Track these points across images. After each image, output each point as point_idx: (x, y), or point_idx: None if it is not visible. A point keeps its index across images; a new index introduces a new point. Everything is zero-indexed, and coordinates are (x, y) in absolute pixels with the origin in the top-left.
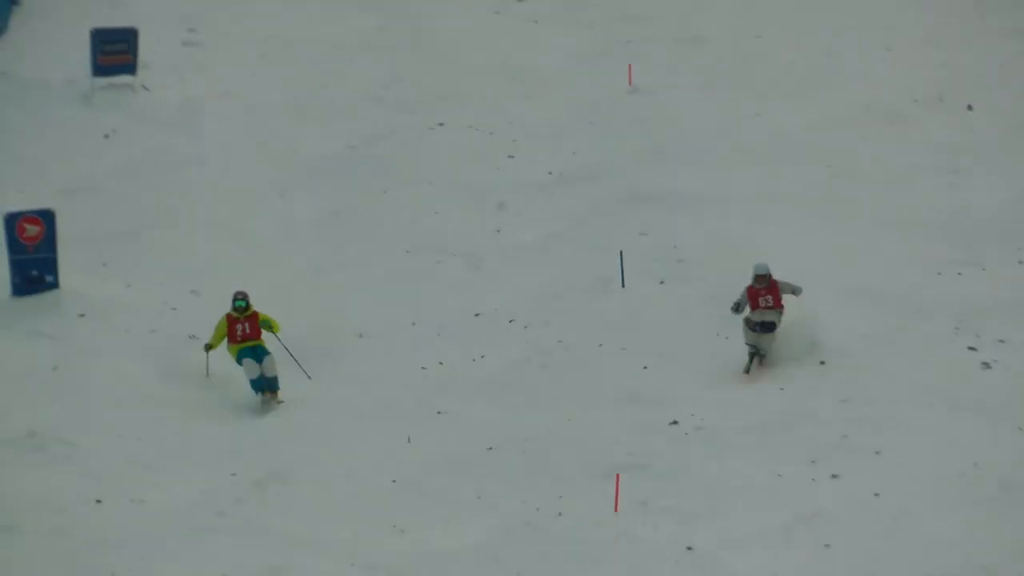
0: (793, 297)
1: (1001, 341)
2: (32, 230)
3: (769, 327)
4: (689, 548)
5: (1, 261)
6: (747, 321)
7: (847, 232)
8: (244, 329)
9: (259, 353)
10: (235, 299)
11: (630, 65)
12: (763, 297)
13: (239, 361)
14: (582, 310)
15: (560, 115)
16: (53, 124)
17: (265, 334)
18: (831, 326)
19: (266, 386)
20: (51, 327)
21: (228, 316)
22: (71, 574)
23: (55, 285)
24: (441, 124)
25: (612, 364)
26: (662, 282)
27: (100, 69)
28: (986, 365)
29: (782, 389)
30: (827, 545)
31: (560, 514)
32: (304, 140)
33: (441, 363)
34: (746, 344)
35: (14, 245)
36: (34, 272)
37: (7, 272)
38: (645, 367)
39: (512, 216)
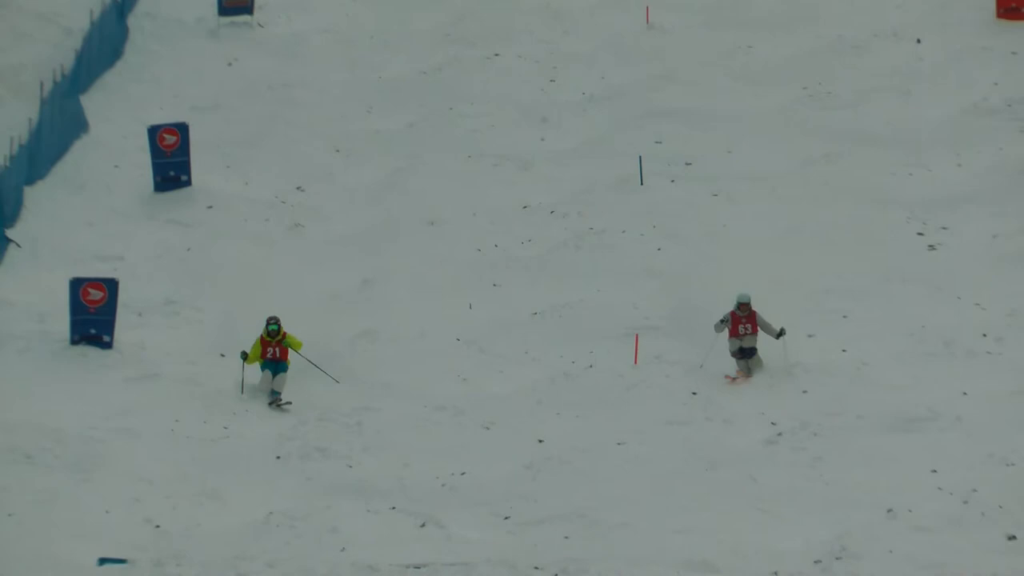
0: (773, 336)
1: (944, 228)
2: (171, 139)
3: (750, 353)
4: (694, 393)
5: (146, 164)
6: (730, 344)
7: (818, 141)
8: (274, 352)
9: (278, 369)
10: (268, 323)
11: (647, 7)
12: (743, 325)
13: (262, 368)
14: (609, 203)
15: (591, 47)
16: (187, 54)
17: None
18: (804, 219)
19: (270, 396)
20: (185, 216)
21: (261, 339)
22: (203, 415)
23: (188, 183)
24: (496, 55)
25: (632, 246)
26: (672, 181)
27: (224, 10)
28: (931, 247)
29: None
30: (804, 391)
31: (591, 366)
32: (387, 67)
33: (496, 245)
34: (732, 356)
35: (156, 151)
36: (172, 173)
37: (151, 173)
38: (659, 249)
39: (553, 128)
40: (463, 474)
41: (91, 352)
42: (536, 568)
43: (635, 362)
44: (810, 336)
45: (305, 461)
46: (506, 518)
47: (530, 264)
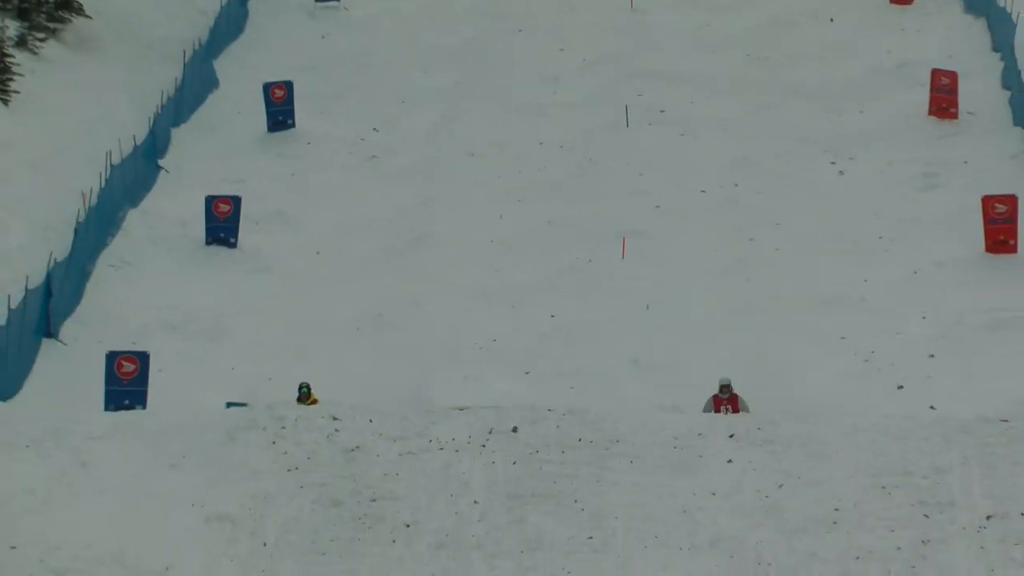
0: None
1: (851, 158)
2: (280, 93)
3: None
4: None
5: (261, 112)
6: None
7: (759, 94)
8: None
9: None
10: (300, 387)
11: None
12: (724, 406)
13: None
14: (603, 139)
15: (590, 23)
16: (290, 29)
17: None
18: (748, 152)
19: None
20: (291, 151)
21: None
22: (301, 297)
23: (293, 126)
24: (520, 30)
25: (621, 172)
26: (650, 124)
27: None
28: (841, 172)
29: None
30: (747, 279)
31: (590, 261)
32: (437, 39)
33: (519, 171)
34: None
35: (269, 102)
36: (280, 118)
37: (265, 118)
38: (640, 174)
39: (562, 84)
40: (494, 341)
41: (221, 251)
42: (549, 410)
43: (623, 256)
44: (751, 240)
45: (378, 333)
46: (527, 373)
47: (544, 186)
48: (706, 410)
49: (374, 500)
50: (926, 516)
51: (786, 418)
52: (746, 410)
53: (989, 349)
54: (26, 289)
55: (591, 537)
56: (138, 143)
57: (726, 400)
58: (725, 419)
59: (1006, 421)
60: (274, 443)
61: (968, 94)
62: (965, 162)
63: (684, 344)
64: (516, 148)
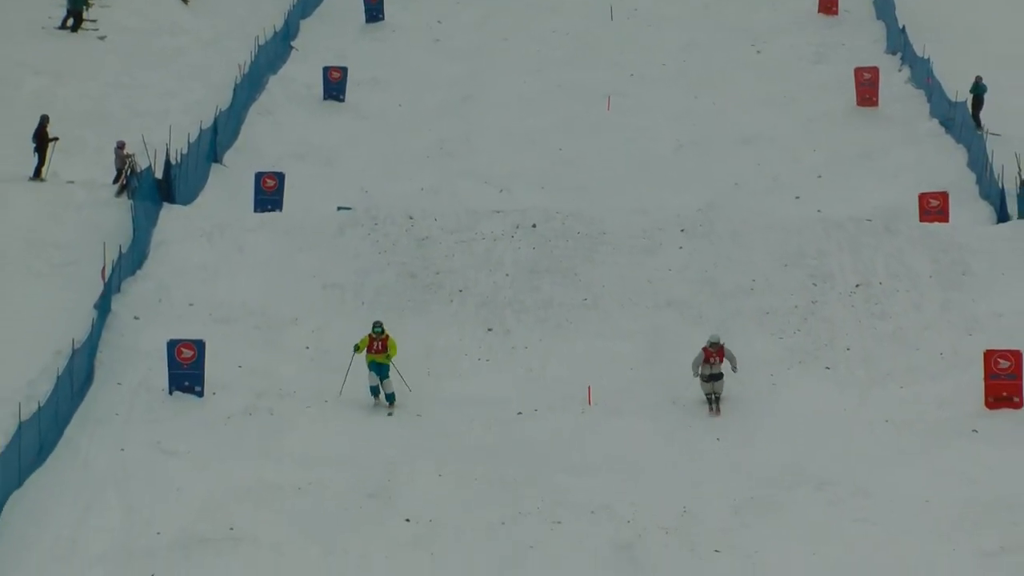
0: (732, 369)
1: (765, 43)
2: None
3: (718, 376)
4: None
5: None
6: (701, 376)
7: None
8: (377, 346)
9: (383, 371)
10: (374, 326)
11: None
12: (713, 357)
13: (369, 367)
14: (595, 28)
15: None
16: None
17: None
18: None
19: (385, 397)
20: (382, 36)
21: (369, 336)
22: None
23: (383, 19)
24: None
25: (608, 50)
26: (627, 18)
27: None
28: (758, 52)
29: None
30: (693, 124)
31: (586, 111)
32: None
33: (537, 51)
34: (704, 393)
35: (367, 4)
36: (374, 14)
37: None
38: (621, 52)
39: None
40: (521, 166)
41: (334, 104)
42: (558, 212)
43: (608, 109)
44: (696, 97)
45: (441, 160)
46: (543, 188)
47: (554, 61)
48: (697, 361)
49: (437, 273)
50: (814, 284)
51: (719, 217)
52: (731, 359)
53: (859, 172)
54: (200, 129)
55: (585, 299)
56: (276, 30)
57: (715, 352)
58: (679, 218)
59: (869, 220)
60: (369, 234)
61: None
62: (843, 44)
63: (651, 166)
64: (535, 35)
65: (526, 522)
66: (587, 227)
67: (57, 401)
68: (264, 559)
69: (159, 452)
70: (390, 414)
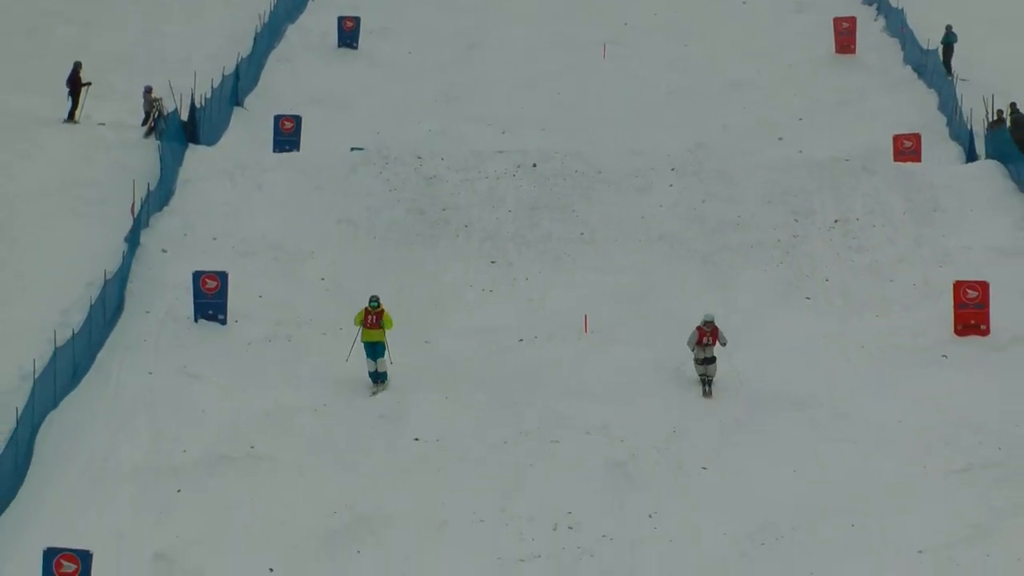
0: (721, 345)
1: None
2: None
3: (711, 360)
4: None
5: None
6: (695, 359)
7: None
8: (372, 320)
9: (377, 351)
10: (370, 300)
11: None
12: (706, 338)
13: (364, 349)
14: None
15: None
16: None
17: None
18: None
19: (375, 378)
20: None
21: (365, 309)
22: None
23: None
24: None
25: (603, 4)
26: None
27: None
28: (744, 2)
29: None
30: (684, 70)
31: (584, 59)
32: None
33: (539, 6)
34: (697, 375)
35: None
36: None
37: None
38: (616, 7)
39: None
40: (522, 108)
41: (348, 52)
42: (556, 152)
43: (604, 56)
44: (685, 45)
45: (448, 104)
46: (543, 129)
47: (554, 14)
48: (691, 340)
49: (444, 210)
50: (796, 220)
51: (708, 157)
52: (723, 339)
53: (838, 115)
54: (222, 75)
55: (582, 233)
56: None
57: (708, 332)
58: (670, 158)
59: (847, 160)
60: (380, 173)
61: None
62: None
63: (644, 110)
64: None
65: (526, 441)
66: (584, 166)
67: (90, 329)
68: (283, 476)
69: (185, 376)
70: (374, 393)
